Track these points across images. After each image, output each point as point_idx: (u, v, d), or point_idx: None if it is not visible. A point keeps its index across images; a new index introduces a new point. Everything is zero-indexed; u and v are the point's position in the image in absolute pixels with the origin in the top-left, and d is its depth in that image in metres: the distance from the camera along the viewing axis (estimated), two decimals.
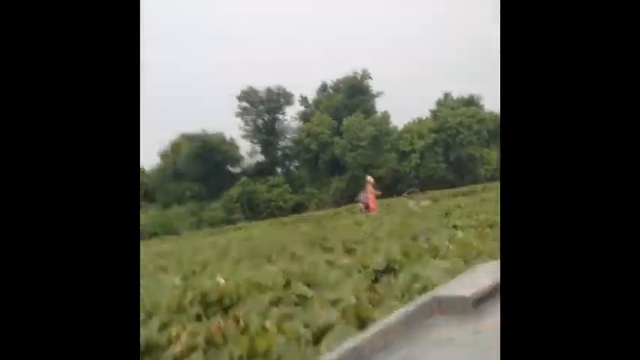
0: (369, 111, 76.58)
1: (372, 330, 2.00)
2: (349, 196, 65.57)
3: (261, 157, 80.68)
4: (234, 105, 79.81)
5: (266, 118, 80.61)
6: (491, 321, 2.03)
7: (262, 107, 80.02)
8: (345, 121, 72.40)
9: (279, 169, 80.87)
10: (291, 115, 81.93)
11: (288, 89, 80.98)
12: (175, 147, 76.67)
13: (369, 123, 71.85)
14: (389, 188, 65.38)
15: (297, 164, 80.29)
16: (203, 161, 74.05)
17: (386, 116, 75.20)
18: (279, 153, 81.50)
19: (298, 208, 69.13)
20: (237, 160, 79.37)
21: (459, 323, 2.10)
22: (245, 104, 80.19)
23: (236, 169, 79.47)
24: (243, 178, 73.14)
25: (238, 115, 79.74)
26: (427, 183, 64.97)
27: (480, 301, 2.19)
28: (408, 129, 74.10)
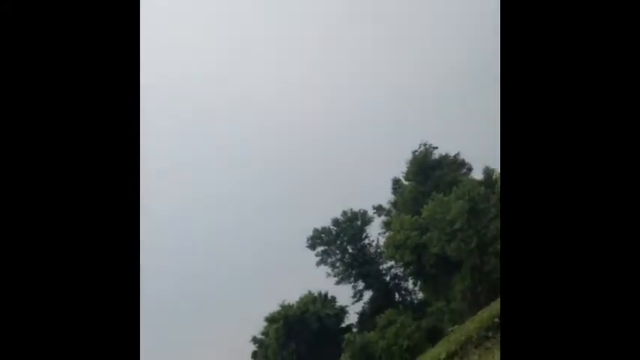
0: (453, 182, 61.55)
1: None
2: (484, 292, 50.48)
3: (369, 294, 67.20)
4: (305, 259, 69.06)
5: (351, 250, 68.28)
6: None
7: (339, 240, 68.21)
8: (424, 212, 58.07)
9: (396, 296, 66.73)
10: (378, 232, 69.19)
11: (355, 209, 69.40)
12: None
13: (456, 197, 56.62)
14: None
15: (411, 282, 65.77)
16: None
17: (490, 173, 59.62)
18: (387, 278, 67.62)
19: (433, 337, 53.03)
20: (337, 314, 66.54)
21: None
22: (322, 248, 68.87)
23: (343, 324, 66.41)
24: (347, 335, 59.50)
25: (319, 263, 68.40)
26: None
27: None
28: None
